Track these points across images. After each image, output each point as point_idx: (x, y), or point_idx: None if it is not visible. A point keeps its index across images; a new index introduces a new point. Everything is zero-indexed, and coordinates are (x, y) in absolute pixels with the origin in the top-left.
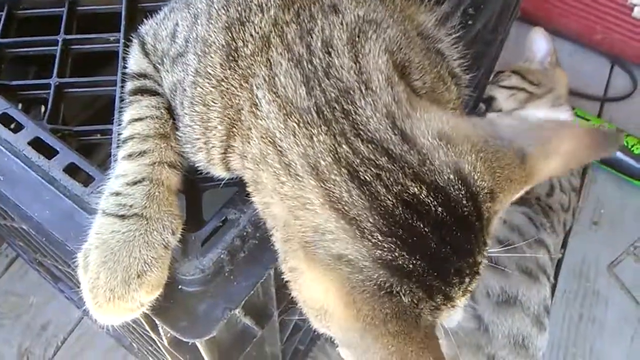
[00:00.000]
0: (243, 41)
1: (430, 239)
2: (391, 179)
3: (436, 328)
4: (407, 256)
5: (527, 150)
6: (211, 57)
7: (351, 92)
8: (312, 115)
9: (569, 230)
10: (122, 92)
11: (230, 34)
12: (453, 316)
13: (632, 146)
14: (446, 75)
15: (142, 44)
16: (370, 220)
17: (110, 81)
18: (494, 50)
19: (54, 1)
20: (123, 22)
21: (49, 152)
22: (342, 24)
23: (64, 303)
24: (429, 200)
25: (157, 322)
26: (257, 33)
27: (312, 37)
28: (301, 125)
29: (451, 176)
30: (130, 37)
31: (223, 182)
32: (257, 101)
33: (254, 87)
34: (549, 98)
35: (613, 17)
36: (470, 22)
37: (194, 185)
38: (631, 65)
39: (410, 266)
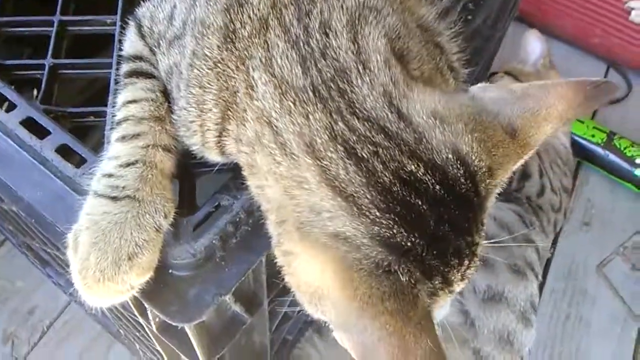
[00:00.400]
0: (241, 23)
1: (428, 217)
2: (388, 156)
3: (432, 315)
4: (405, 234)
5: (516, 123)
6: (209, 38)
7: (348, 71)
8: (307, 94)
9: (560, 230)
10: (117, 75)
11: (228, 16)
12: (442, 309)
13: (625, 148)
14: (444, 68)
15: (139, 27)
16: (368, 197)
17: (105, 63)
18: (492, 47)
19: None
20: (120, 5)
21: (41, 133)
22: (342, 7)
23: (51, 288)
24: (427, 178)
25: (147, 305)
26: (255, 15)
27: (310, 19)
28: (297, 104)
29: (449, 155)
30: (127, 20)
31: (217, 167)
32: (253, 82)
33: (250, 69)
34: None
35: (610, 20)
36: (469, 17)
37: (187, 170)
38: (626, 69)
39: (409, 244)
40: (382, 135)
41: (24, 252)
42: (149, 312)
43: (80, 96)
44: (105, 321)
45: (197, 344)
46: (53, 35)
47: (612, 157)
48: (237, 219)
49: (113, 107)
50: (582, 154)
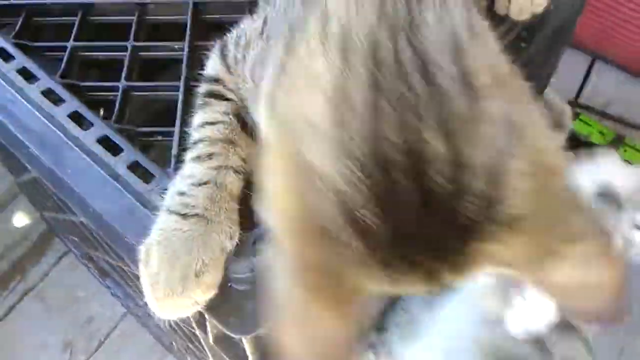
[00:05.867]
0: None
1: (412, 215)
2: (412, 109)
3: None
4: (375, 213)
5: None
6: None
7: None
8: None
9: None
10: (197, 93)
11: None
12: None
13: None
14: None
15: (222, 48)
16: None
17: (172, 86)
18: (546, 74)
19: (124, 10)
20: (188, 32)
21: (114, 150)
22: None
23: (109, 299)
24: (438, 167)
25: (207, 317)
26: None
27: None
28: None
29: (487, 159)
30: (196, 45)
31: None
32: None
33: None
34: None
35: None
36: (523, 45)
37: (247, 186)
38: None
39: (374, 226)
40: (424, 82)
41: (85, 263)
42: (207, 323)
43: (141, 114)
44: (159, 333)
45: (252, 354)
46: (127, 59)
47: None
48: None
49: (188, 127)
50: None
